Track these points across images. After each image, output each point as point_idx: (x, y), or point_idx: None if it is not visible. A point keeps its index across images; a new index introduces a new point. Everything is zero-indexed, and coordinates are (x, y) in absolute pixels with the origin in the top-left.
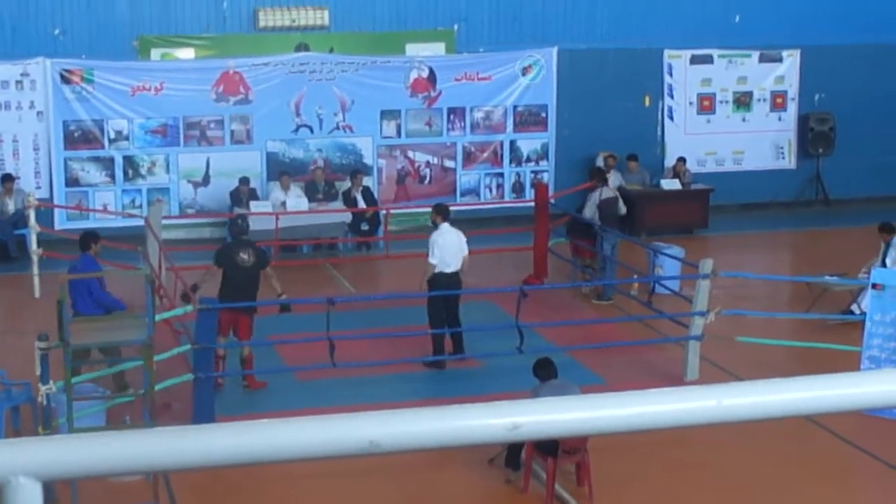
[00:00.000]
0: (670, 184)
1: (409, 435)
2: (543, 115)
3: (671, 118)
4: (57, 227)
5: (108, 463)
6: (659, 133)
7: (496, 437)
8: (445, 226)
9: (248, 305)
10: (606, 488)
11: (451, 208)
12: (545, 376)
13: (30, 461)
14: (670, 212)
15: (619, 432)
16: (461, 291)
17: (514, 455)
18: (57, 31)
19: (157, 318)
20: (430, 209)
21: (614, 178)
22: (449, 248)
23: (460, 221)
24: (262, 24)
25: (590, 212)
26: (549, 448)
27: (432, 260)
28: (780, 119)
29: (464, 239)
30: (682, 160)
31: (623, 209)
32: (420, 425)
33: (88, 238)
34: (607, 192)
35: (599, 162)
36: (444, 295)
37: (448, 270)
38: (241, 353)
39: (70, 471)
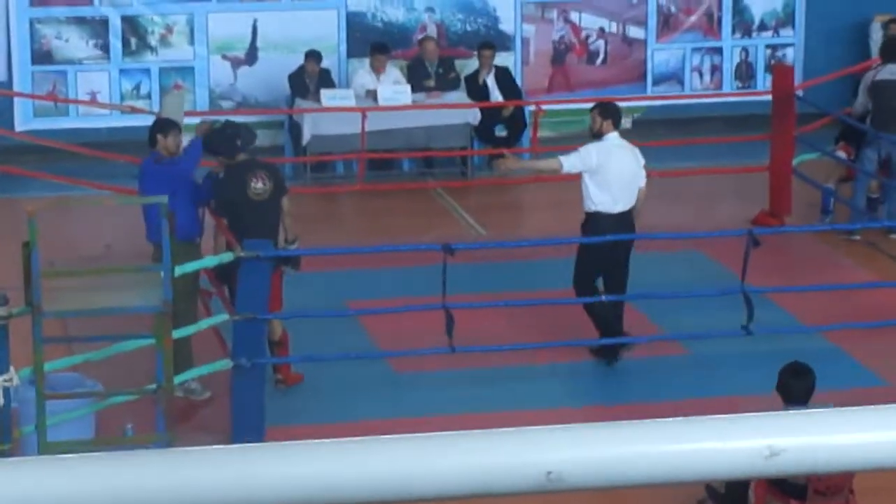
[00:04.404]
0: None
1: (606, 465)
2: None
3: None
4: (18, 127)
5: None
6: None
7: (744, 468)
8: (614, 137)
9: (299, 254)
10: None
11: (641, 104)
12: (796, 394)
13: None
14: None
15: None
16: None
17: (736, 498)
18: None
19: (179, 270)
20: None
21: None
22: (617, 175)
23: (652, 124)
24: None
25: (860, 104)
26: (794, 488)
27: (567, 165)
28: None
29: (641, 161)
30: None
31: None
32: (621, 449)
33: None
34: (888, 72)
35: (875, 29)
36: (607, 246)
37: (615, 209)
38: (270, 335)
39: None
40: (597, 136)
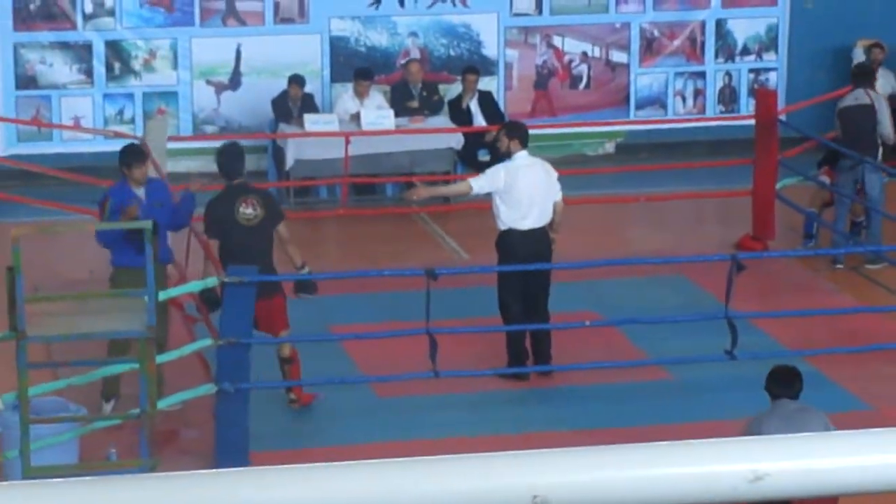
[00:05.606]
0: None
1: (592, 489)
2: None
3: None
4: (2, 152)
5: None
6: None
7: (728, 492)
8: (522, 156)
9: (305, 278)
10: None
11: (624, 128)
12: (780, 395)
13: None
14: None
15: None
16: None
17: None
18: None
19: (162, 295)
20: (583, 129)
21: (884, 81)
22: (526, 193)
23: (634, 149)
24: None
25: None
26: None
27: (476, 188)
28: None
29: (553, 175)
30: None
31: (888, 129)
32: (606, 473)
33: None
34: (858, 97)
35: (858, 54)
36: (520, 262)
37: (525, 226)
38: (279, 352)
39: None
40: (505, 155)
